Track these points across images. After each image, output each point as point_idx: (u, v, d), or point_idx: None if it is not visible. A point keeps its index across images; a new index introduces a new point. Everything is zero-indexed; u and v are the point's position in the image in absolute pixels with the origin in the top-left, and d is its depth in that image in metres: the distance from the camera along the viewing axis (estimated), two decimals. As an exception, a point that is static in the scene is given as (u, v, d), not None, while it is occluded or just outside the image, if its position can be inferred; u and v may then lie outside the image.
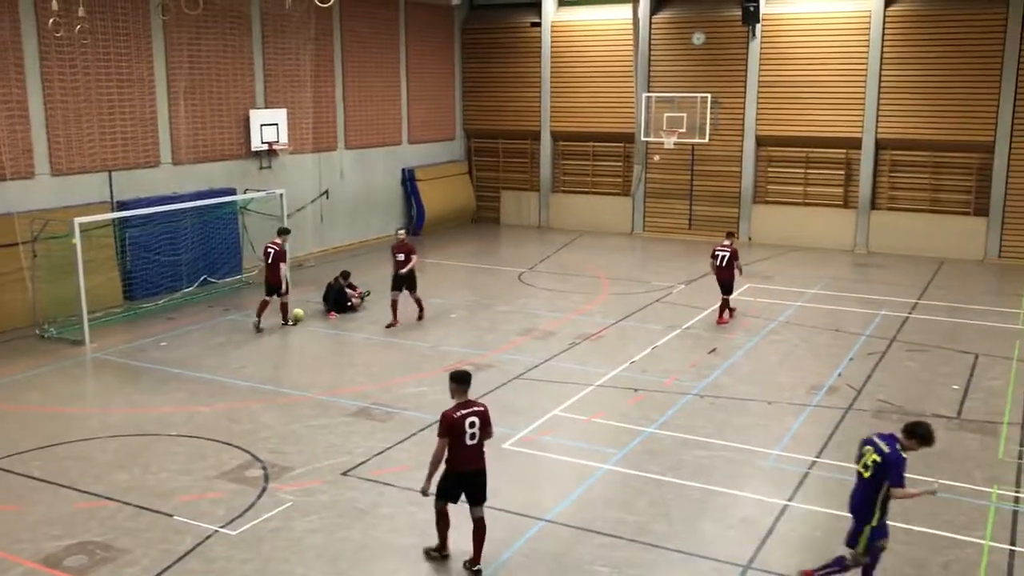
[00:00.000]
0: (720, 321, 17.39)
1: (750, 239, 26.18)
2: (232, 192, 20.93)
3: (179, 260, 19.76)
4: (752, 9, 24.51)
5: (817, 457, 11.26)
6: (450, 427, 8.36)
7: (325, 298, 18.36)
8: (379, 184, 26.56)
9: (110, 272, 18.37)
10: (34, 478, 10.66)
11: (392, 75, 26.70)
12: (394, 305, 17.27)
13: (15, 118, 17.01)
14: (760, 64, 25.53)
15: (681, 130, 25.97)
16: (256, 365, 15.02)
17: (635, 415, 12.67)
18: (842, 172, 25.27)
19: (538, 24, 28.39)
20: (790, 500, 10.12)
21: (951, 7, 23.55)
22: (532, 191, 29.50)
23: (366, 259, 23.06)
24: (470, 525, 8.62)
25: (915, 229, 24.50)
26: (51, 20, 15.88)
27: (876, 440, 7.93)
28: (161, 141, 19.88)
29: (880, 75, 24.22)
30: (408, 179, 27.35)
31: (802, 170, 25.75)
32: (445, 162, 29.13)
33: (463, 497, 8.65)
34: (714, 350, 15.68)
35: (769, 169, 26.19)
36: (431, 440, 11.58)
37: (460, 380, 8.57)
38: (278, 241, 17.03)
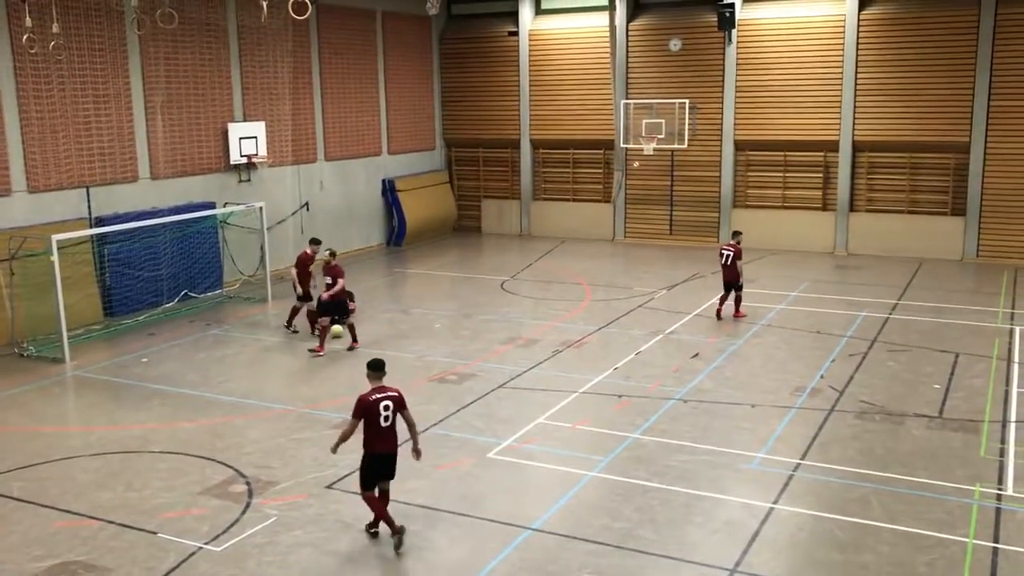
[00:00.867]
0: (736, 315, 18.15)
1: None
2: (211, 206, 20.83)
3: (159, 275, 19.64)
4: (727, 15, 24.70)
5: (801, 459, 11.30)
6: (365, 409, 9.12)
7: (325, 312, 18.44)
8: (360, 195, 26.52)
9: (89, 289, 18.23)
10: (14, 498, 10.54)
11: (371, 86, 26.68)
12: (323, 332, 16.25)
13: (-10, 135, 16.90)
14: (737, 69, 25.70)
15: (660, 136, 26.10)
16: (239, 379, 14.93)
17: (619, 421, 12.68)
18: (820, 175, 25.45)
19: (515, 33, 28.48)
20: (775, 503, 10.15)
21: (924, 10, 23.79)
22: (513, 199, 29.55)
23: (347, 271, 22.93)
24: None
25: (893, 230, 24.71)
26: (25, 36, 15.76)
27: None
28: (139, 156, 19.78)
29: (856, 78, 24.44)
30: (389, 189, 27.31)
31: (781, 174, 25.91)
32: (426, 172, 29.12)
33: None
34: (697, 354, 15.73)
35: (748, 173, 26.33)
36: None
37: (375, 368, 9.35)
38: (308, 251, 17.30)
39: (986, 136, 23.37)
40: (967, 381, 14.22)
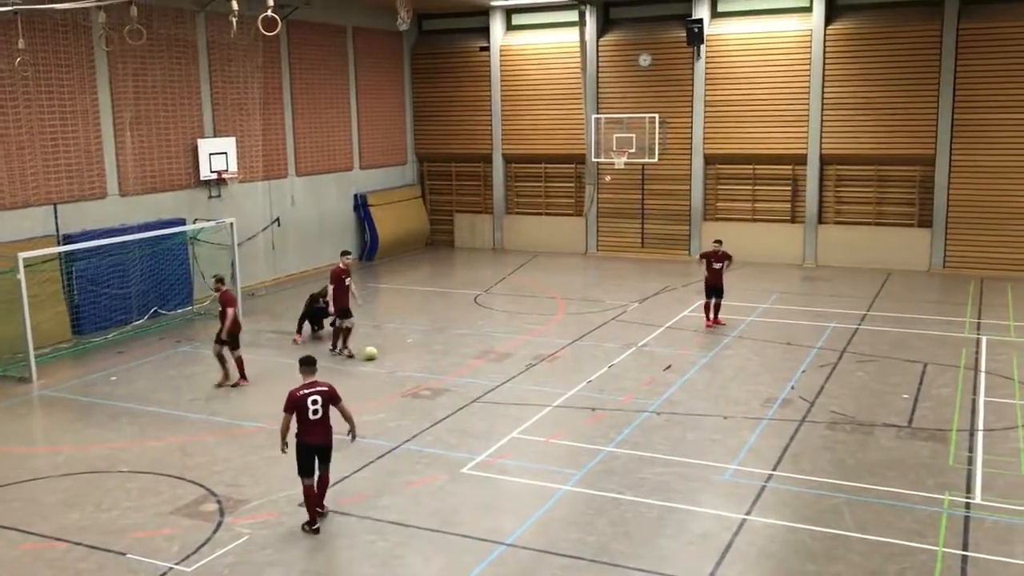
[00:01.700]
0: (712, 323, 18.49)
1: (701, 256, 26.41)
2: (181, 222, 20.67)
3: (128, 292, 19.44)
4: (696, 30, 24.96)
5: (773, 470, 11.37)
6: (295, 403, 9.73)
7: (308, 320, 18.44)
8: (331, 210, 26.43)
9: (57, 307, 18.00)
10: (-20, 521, 10.37)
11: (342, 101, 26.65)
12: (220, 359, 15.20)
13: (-45, 152, 16.69)
14: (706, 84, 25.94)
15: (631, 150, 26.25)
16: (209, 397, 14.79)
17: (593, 434, 12.70)
18: (789, 188, 25.72)
19: (487, 48, 28.58)
20: (748, 514, 10.20)
21: (888, 25, 24.18)
22: (486, 213, 29.58)
23: (319, 287, 22.83)
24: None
25: (861, 242, 25.00)
26: (-10, 53, 15.63)
27: None
28: (108, 172, 19.60)
29: (823, 92, 24.76)
30: (361, 204, 27.24)
31: (750, 187, 26.16)
32: (398, 186, 29.10)
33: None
34: (669, 367, 15.80)
35: (718, 186, 26.56)
36: (390, 468, 11.59)
37: (306, 363, 9.94)
38: (341, 264, 16.92)
39: (951, 148, 23.73)
40: (935, 391, 14.38)
